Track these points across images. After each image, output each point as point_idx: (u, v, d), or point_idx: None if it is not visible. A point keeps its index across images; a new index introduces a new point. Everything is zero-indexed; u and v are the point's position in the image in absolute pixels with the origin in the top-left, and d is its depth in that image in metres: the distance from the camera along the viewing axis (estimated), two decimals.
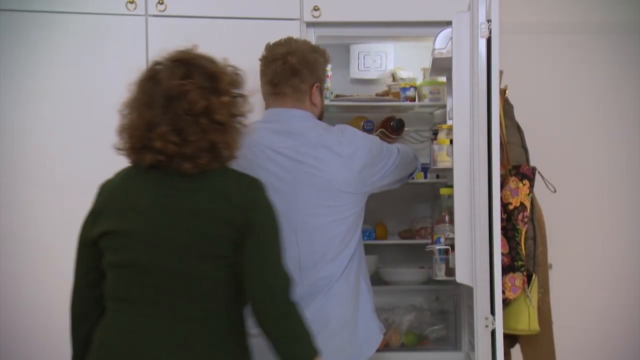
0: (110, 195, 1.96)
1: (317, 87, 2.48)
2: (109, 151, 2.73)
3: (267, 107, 2.50)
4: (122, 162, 2.70)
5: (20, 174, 2.76)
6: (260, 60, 2.49)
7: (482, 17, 2.34)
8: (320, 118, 2.54)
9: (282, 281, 1.90)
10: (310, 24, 2.91)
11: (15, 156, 2.75)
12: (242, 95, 2.01)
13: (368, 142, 2.48)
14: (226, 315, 1.91)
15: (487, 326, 2.33)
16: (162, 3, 2.83)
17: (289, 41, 2.50)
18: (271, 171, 2.35)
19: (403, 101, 3.13)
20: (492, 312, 2.33)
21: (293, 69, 2.42)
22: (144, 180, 1.94)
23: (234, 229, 1.87)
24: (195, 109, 1.87)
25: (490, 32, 2.33)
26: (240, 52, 2.84)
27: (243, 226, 1.87)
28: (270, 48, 2.49)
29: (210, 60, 2.00)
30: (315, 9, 2.89)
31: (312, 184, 2.36)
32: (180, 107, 1.88)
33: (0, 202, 2.74)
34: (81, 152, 2.75)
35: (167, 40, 2.79)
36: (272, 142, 2.38)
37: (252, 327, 2.33)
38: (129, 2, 2.81)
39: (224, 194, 1.90)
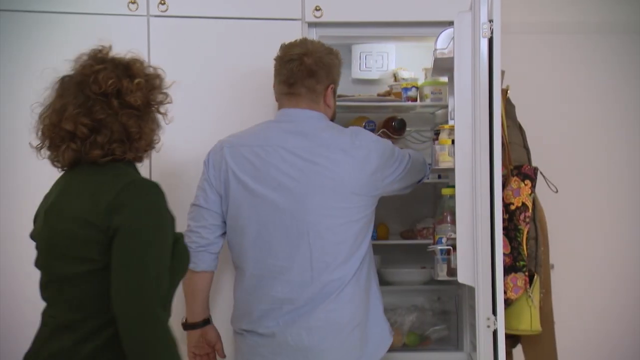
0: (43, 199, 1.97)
1: (331, 88, 2.51)
2: None
3: (281, 107, 2.52)
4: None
5: (20, 174, 2.75)
6: (275, 60, 2.52)
7: (483, 17, 2.34)
8: (332, 119, 2.56)
9: (144, 294, 1.73)
10: (311, 24, 2.91)
11: (17, 156, 2.74)
12: (158, 83, 1.97)
13: (381, 145, 2.48)
14: (103, 321, 1.78)
15: (489, 326, 2.33)
16: (164, 3, 2.83)
17: (304, 42, 2.53)
18: (284, 171, 2.37)
19: (405, 101, 3.13)
20: (494, 312, 2.33)
21: (309, 70, 2.44)
22: (60, 181, 1.93)
23: (98, 231, 1.77)
24: (105, 89, 1.84)
25: (492, 32, 2.33)
26: (242, 52, 2.87)
27: (109, 229, 1.76)
28: (285, 48, 2.51)
29: (128, 57, 1.97)
30: (317, 9, 2.88)
31: (324, 185, 2.37)
32: (90, 89, 1.84)
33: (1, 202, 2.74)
34: None
35: (168, 41, 2.83)
36: (286, 142, 2.40)
37: (262, 327, 2.35)
38: (131, 2, 2.81)
39: (96, 193, 1.81)
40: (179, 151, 2.83)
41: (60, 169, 1.93)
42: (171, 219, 1.85)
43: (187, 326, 2.56)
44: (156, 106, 1.95)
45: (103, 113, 1.83)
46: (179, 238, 1.89)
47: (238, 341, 2.48)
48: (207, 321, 2.57)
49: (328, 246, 2.36)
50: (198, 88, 2.86)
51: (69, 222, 1.81)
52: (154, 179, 2.77)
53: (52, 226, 1.85)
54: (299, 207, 2.34)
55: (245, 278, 2.42)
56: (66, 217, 1.83)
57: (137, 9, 2.82)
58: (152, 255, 1.76)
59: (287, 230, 2.36)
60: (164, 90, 1.99)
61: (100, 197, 1.79)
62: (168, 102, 2.00)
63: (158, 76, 1.98)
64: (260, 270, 2.38)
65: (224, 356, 2.58)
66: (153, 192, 1.82)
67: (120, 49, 2.74)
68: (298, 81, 2.45)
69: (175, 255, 1.85)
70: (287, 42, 2.53)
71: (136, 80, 1.87)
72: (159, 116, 1.99)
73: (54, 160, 1.91)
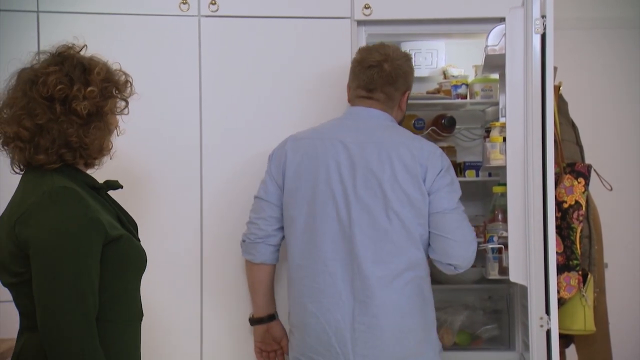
0: None
1: (407, 94, 2.56)
2: (152, 151, 2.80)
3: (350, 105, 2.57)
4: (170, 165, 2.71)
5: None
6: (353, 63, 2.55)
7: (536, 13, 2.33)
8: (400, 123, 2.59)
9: (57, 310, 1.64)
10: (361, 22, 2.88)
11: None
12: (119, 96, 1.90)
13: (443, 162, 2.43)
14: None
15: (542, 326, 2.33)
16: (215, 3, 2.83)
17: (383, 47, 2.54)
18: (338, 164, 2.39)
19: (454, 99, 3.09)
20: (547, 311, 2.31)
21: (390, 77, 2.47)
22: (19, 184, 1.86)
23: (14, 244, 1.71)
24: (52, 93, 1.77)
25: (544, 28, 2.31)
26: (292, 51, 2.86)
27: (20, 243, 1.69)
28: (364, 52, 2.54)
29: (91, 57, 1.88)
30: (366, 7, 2.86)
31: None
32: (37, 90, 1.77)
33: None
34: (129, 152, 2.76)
35: (219, 41, 2.84)
36: (345, 137, 2.41)
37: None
38: (182, 2, 2.82)
39: (19, 203, 1.75)
40: (229, 150, 2.84)
41: (15, 171, 1.87)
42: (93, 225, 1.73)
43: (252, 321, 2.59)
44: (109, 114, 1.87)
45: (44, 118, 1.77)
46: (117, 238, 1.78)
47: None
48: (272, 317, 2.58)
49: (383, 243, 2.36)
50: (248, 87, 2.86)
51: (2, 231, 1.77)
52: (206, 178, 2.82)
53: None
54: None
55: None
56: (1, 225, 1.78)
57: (188, 9, 2.82)
58: (64, 268, 1.66)
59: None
60: (125, 98, 1.94)
61: (18, 208, 1.74)
62: (124, 113, 1.94)
63: (124, 83, 1.92)
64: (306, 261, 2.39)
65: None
66: (64, 203, 1.70)
67: (171, 50, 2.81)
68: (378, 88, 2.48)
69: (116, 256, 1.78)
70: (365, 45, 2.62)
71: (89, 89, 1.80)
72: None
73: (10, 159, 1.86)
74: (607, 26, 3.56)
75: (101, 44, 2.72)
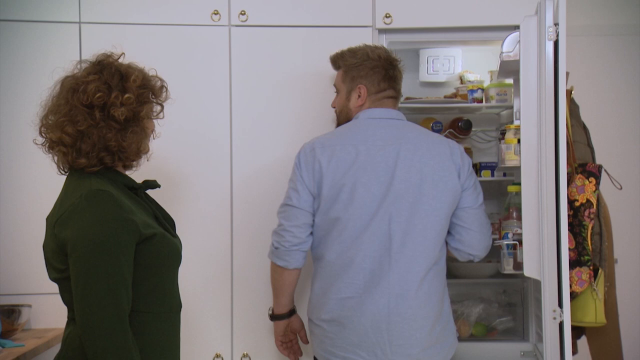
0: None
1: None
2: (186, 152, 2.85)
3: (366, 107, 2.50)
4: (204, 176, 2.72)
5: None
6: (374, 60, 2.50)
7: (549, 21, 2.32)
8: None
9: (92, 307, 1.68)
10: (382, 31, 2.91)
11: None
12: (155, 100, 1.94)
13: (470, 161, 2.48)
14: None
15: (555, 318, 2.31)
16: (244, 14, 2.87)
17: (384, 47, 2.57)
18: (378, 164, 2.38)
19: (470, 102, 3.10)
20: (560, 304, 2.31)
21: (399, 75, 2.54)
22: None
23: (56, 242, 1.75)
24: (91, 100, 1.81)
25: (557, 35, 2.31)
26: (316, 58, 2.89)
27: (60, 241, 1.74)
28: (372, 52, 2.52)
29: (129, 65, 1.92)
30: (387, 16, 2.89)
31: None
32: (78, 98, 1.82)
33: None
34: (164, 153, 2.79)
35: (248, 49, 2.87)
36: (377, 140, 2.40)
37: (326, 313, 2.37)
38: (214, 13, 2.85)
39: (61, 204, 1.80)
40: (258, 155, 2.88)
41: (62, 173, 1.91)
42: (126, 226, 1.75)
43: (274, 317, 2.59)
44: (145, 119, 1.90)
45: (85, 124, 1.81)
46: (150, 236, 1.82)
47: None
48: (293, 311, 2.60)
49: (419, 233, 2.38)
50: (275, 92, 2.90)
51: (48, 230, 1.82)
52: (235, 184, 2.86)
53: (45, 233, 1.85)
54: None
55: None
56: (47, 224, 1.83)
57: (219, 19, 2.86)
58: (99, 266, 1.69)
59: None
60: (160, 103, 1.97)
61: (59, 209, 1.78)
62: (160, 117, 1.99)
63: (159, 88, 1.95)
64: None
65: (307, 342, 2.60)
66: (99, 205, 1.73)
67: (204, 57, 2.85)
68: (396, 86, 2.52)
69: (150, 253, 1.81)
70: (366, 44, 2.57)
71: (126, 96, 1.84)
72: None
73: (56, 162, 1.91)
74: (616, 33, 3.56)
75: (139, 53, 2.79)
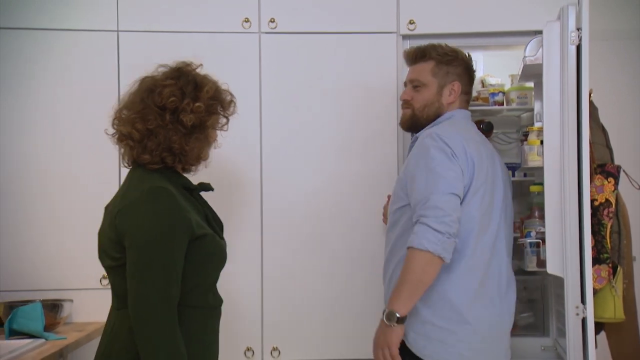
0: None
1: None
2: (220, 155, 2.84)
3: (457, 106, 2.44)
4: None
5: None
6: (461, 65, 2.43)
7: (572, 26, 2.31)
8: None
9: (144, 295, 1.71)
10: (406, 37, 2.91)
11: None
12: (222, 113, 1.97)
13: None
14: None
15: (577, 314, 2.30)
16: (274, 21, 2.87)
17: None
18: (494, 165, 2.36)
19: (492, 105, 3.08)
20: (582, 301, 2.29)
21: None
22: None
23: (116, 232, 1.79)
24: (164, 103, 1.85)
25: (580, 40, 2.28)
26: (342, 63, 2.89)
27: (120, 232, 1.77)
28: (463, 54, 2.46)
29: (204, 76, 1.96)
30: (411, 22, 2.88)
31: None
32: (153, 99, 1.87)
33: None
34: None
35: (276, 56, 2.87)
36: (480, 141, 2.40)
37: None
38: (245, 21, 2.86)
39: (123, 196, 1.84)
40: (285, 154, 2.88)
41: (125, 166, 1.95)
42: (182, 223, 1.79)
43: (400, 320, 2.14)
44: (209, 128, 1.94)
45: (154, 123, 1.85)
46: (202, 236, 1.84)
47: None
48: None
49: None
50: (302, 95, 2.89)
51: (106, 220, 1.86)
52: (266, 181, 2.86)
53: (102, 221, 1.89)
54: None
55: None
56: (106, 214, 1.87)
57: (250, 26, 2.86)
58: (154, 259, 1.73)
59: None
60: (227, 116, 2.00)
61: (121, 200, 1.82)
62: (224, 129, 2.02)
63: (228, 103, 1.99)
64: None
65: None
66: (159, 201, 1.77)
67: (235, 63, 2.85)
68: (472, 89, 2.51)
69: (199, 252, 1.83)
70: (446, 44, 2.48)
71: (197, 104, 1.88)
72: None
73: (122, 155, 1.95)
74: (634, 37, 3.52)
75: (174, 59, 2.82)
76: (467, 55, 2.46)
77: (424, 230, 2.08)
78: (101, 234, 1.87)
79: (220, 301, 1.97)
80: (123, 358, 1.77)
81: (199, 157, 1.94)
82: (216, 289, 1.97)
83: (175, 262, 1.75)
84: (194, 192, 1.97)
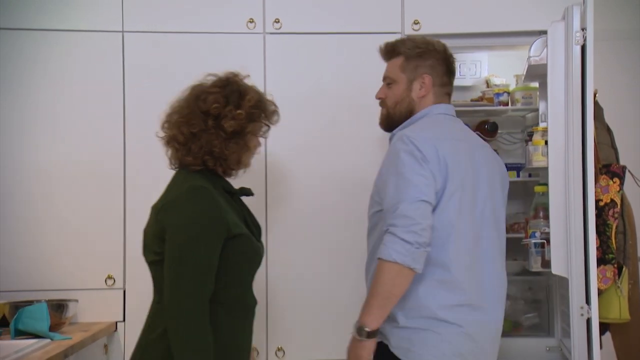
0: None
1: None
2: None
3: (431, 101, 2.23)
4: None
5: None
6: (433, 53, 2.22)
7: (576, 26, 2.30)
8: None
9: (179, 288, 1.77)
10: None
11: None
12: (264, 121, 2.04)
13: None
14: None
15: (582, 315, 2.29)
16: (278, 22, 2.86)
17: (441, 41, 2.29)
18: (478, 163, 2.15)
19: (496, 106, 3.07)
20: (587, 301, 2.28)
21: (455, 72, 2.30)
22: None
23: (159, 227, 1.86)
24: (208, 109, 1.94)
25: (584, 40, 2.27)
26: (346, 63, 2.87)
27: (162, 227, 1.84)
28: (436, 43, 2.25)
29: (250, 87, 2.02)
30: (416, 22, 2.86)
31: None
32: (198, 105, 1.95)
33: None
34: None
35: (281, 56, 2.86)
36: (461, 139, 2.18)
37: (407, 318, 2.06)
38: (249, 21, 2.85)
39: (167, 193, 1.93)
40: (287, 156, 2.87)
41: (172, 168, 2.01)
42: (219, 221, 1.83)
43: (370, 334, 2.02)
44: (249, 135, 1.99)
45: (198, 128, 1.93)
46: (237, 235, 1.87)
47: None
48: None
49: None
50: (307, 96, 2.88)
51: (152, 216, 1.93)
52: (270, 184, 2.85)
53: (149, 218, 1.95)
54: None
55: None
56: (152, 211, 1.93)
57: (254, 27, 2.86)
58: (190, 254, 1.79)
59: None
60: (269, 124, 2.07)
61: (165, 197, 1.90)
62: (265, 137, 2.09)
63: (271, 112, 2.05)
64: None
65: None
66: (199, 200, 1.83)
67: (239, 63, 2.78)
68: (451, 82, 2.27)
69: (234, 251, 1.86)
70: (426, 37, 2.30)
71: (238, 111, 1.95)
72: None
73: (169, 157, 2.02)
74: (636, 37, 3.49)
75: (180, 59, 2.84)
76: (442, 45, 2.26)
77: (392, 240, 1.95)
78: (146, 230, 1.95)
79: (254, 301, 2.00)
80: (157, 349, 1.83)
81: (239, 162, 2.00)
82: (252, 289, 1.99)
83: (211, 257, 1.81)
84: (234, 195, 2.03)
